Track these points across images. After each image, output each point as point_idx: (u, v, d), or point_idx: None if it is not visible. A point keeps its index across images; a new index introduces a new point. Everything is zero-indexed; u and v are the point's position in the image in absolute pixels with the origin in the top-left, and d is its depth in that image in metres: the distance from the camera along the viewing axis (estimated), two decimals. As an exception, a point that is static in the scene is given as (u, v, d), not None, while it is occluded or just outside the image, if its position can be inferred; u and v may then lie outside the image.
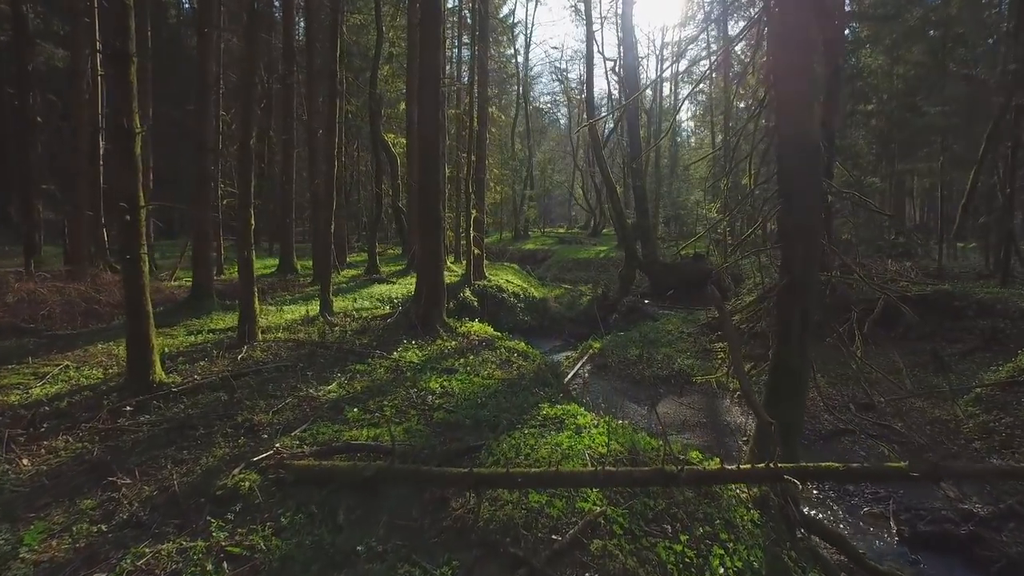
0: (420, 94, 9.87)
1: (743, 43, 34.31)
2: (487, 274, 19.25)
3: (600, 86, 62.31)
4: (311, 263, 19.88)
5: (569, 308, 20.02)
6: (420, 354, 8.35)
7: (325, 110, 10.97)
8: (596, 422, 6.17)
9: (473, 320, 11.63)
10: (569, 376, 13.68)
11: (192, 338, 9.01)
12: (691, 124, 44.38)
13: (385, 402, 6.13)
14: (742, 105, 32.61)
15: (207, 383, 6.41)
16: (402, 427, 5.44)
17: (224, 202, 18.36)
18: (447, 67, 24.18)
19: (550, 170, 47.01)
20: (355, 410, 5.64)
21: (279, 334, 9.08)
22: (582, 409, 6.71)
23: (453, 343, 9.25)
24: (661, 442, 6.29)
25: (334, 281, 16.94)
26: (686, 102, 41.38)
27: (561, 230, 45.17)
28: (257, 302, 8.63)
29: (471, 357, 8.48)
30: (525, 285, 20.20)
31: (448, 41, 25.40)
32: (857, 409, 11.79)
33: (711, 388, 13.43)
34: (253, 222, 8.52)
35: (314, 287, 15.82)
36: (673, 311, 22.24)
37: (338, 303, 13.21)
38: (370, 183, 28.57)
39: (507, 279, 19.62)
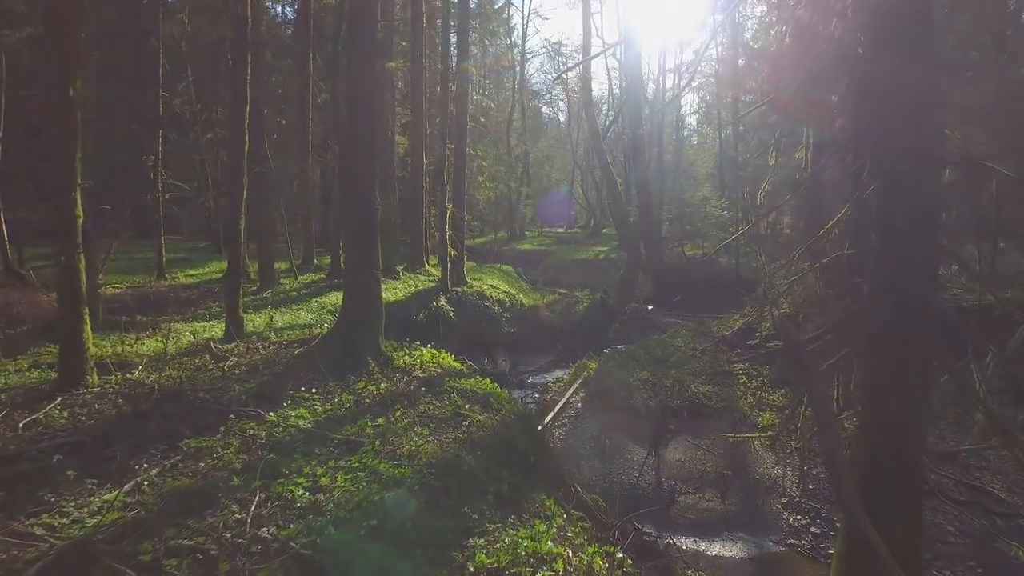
0: (349, 39, 6.97)
1: (750, 31, 31.09)
2: (469, 279, 16.26)
3: (599, 80, 59.25)
4: (279, 266, 16.98)
5: (563, 317, 17.05)
6: (320, 410, 5.39)
7: (234, 64, 8.02)
8: (574, 577, 3.20)
9: (428, 344, 8.66)
10: (557, 409, 10.72)
11: (13, 379, 6.10)
12: (694, 120, 41.27)
13: (182, 539, 3.17)
14: (749, 99, 29.46)
15: None
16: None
17: (167, 196, 15.48)
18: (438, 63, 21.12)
19: (548, 167, 43.93)
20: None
21: (135, 372, 6.16)
22: (550, 540, 3.68)
23: (382, 385, 6.27)
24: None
25: (285, 288, 14.03)
26: (691, 96, 38.25)
27: (560, 230, 42.07)
28: (89, 330, 5.69)
29: (398, 413, 5.50)
30: (513, 291, 17.22)
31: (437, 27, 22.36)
32: (932, 461, 8.73)
33: (732, 425, 10.44)
34: (80, 213, 5.58)
35: (256, 296, 12.92)
36: (681, 320, 19.20)
37: (270, 317, 10.29)
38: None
39: (492, 284, 16.65)
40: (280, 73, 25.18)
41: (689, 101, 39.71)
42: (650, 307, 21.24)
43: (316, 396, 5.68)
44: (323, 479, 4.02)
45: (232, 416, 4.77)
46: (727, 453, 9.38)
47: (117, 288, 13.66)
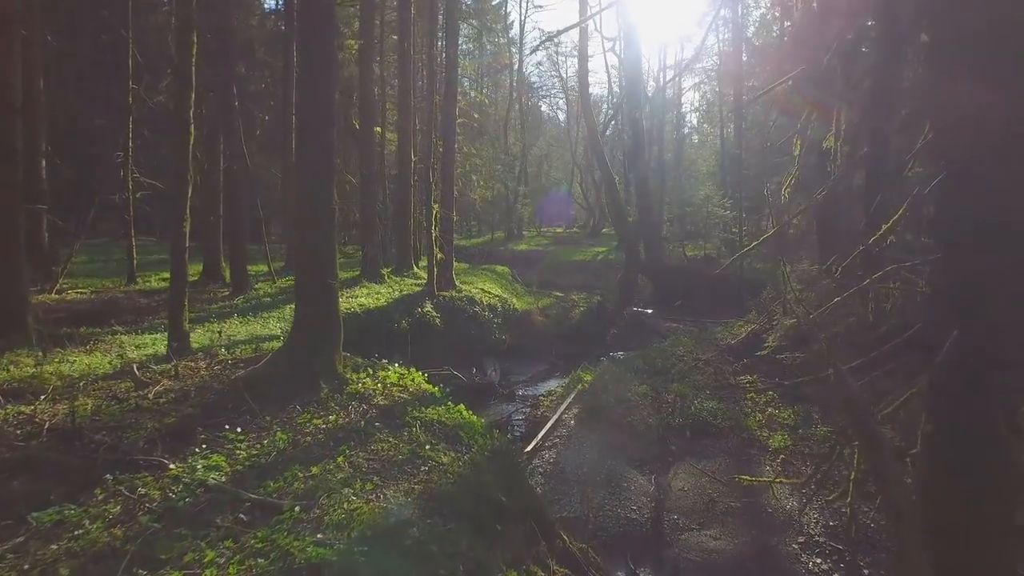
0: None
1: (752, 27, 29.90)
2: (458, 282, 15.19)
3: (598, 77, 58.05)
4: (258, 269, 15.94)
5: (558, 323, 15.96)
6: (243, 455, 4.31)
7: (177, 44, 6.90)
8: None
9: (404, 359, 7.61)
10: (546, 429, 9.66)
11: None
12: (694, 118, 40.12)
13: None
14: (747, 99, 28.25)
15: None
16: None
17: (138, 195, 14.42)
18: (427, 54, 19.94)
19: (547, 166, 42.81)
20: None
21: (35, 404, 5.09)
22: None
23: (330, 418, 5.19)
24: None
25: (259, 294, 12.95)
26: (691, 94, 37.13)
27: (559, 230, 40.96)
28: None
29: (340, 459, 4.42)
30: (506, 295, 16.13)
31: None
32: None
33: (739, 447, 9.36)
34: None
35: (225, 303, 11.86)
36: (682, 325, 18.08)
37: (231, 328, 9.24)
38: (351, 181, 24.50)
39: (483, 288, 15.56)
40: (270, 68, 24.15)
41: (689, 99, 38.63)
42: (649, 311, 20.13)
43: (242, 437, 4.58)
44: (208, 571, 2.94)
45: (109, 476, 3.68)
46: (734, 479, 8.30)
47: (81, 293, 12.65)
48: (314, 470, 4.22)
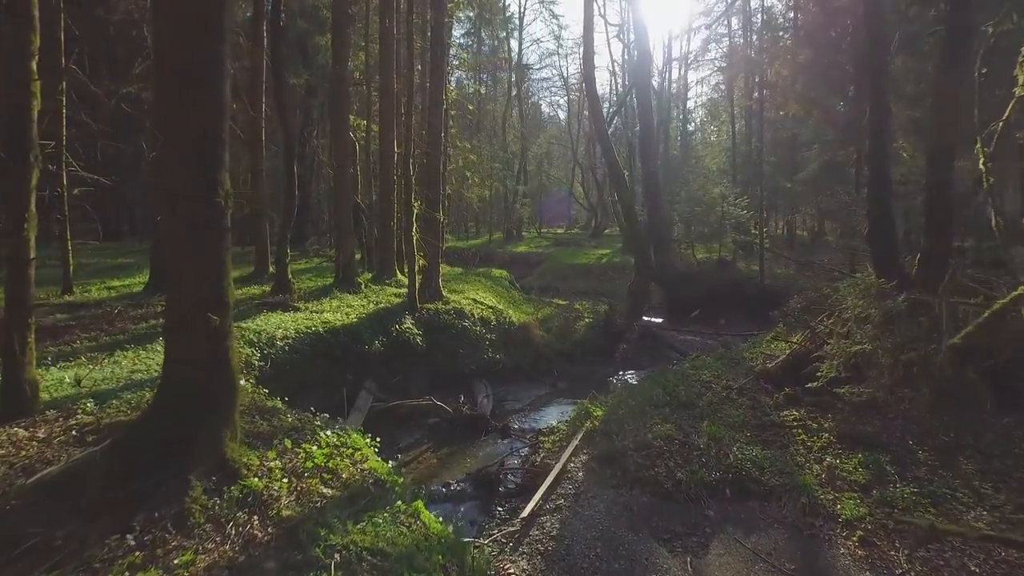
0: None
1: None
2: (447, 291, 12.90)
3: (599, 75, 55.49)
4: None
5: (560, 337, 13.64)
6: None
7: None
8: None
9: (367, 390, 5.32)
10: (547, 485, 7.37)
11: None
12: (702, 112, 37.73)
13: None
14: (759, 94, 25.90)
15: None
16: None
17: (75, 191, 12.16)
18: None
19: (547, 165, 40.45)
20: None
21: None
22: None
23: (179, 560, 2.92)
24: None
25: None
26: (697, 88, 34.72)
27: (560, 231, 38.65)
28: None
29: None
30: (500, 305, 13.80)
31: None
32: None
33: (798, 514, 7.05)
34: None
35: (160, 321, 9.59)
36: (699, 338, 15.75)
37: (147, 358, 6.97)
38: (329, 176, 22.19)
39: (474, 298, 13.24)
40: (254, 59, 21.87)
41: (696, 93, 36.28)
42: (660, 320, 17.83)
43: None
44: None
45: None
46: (800, 568, 6.00)
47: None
48: None
